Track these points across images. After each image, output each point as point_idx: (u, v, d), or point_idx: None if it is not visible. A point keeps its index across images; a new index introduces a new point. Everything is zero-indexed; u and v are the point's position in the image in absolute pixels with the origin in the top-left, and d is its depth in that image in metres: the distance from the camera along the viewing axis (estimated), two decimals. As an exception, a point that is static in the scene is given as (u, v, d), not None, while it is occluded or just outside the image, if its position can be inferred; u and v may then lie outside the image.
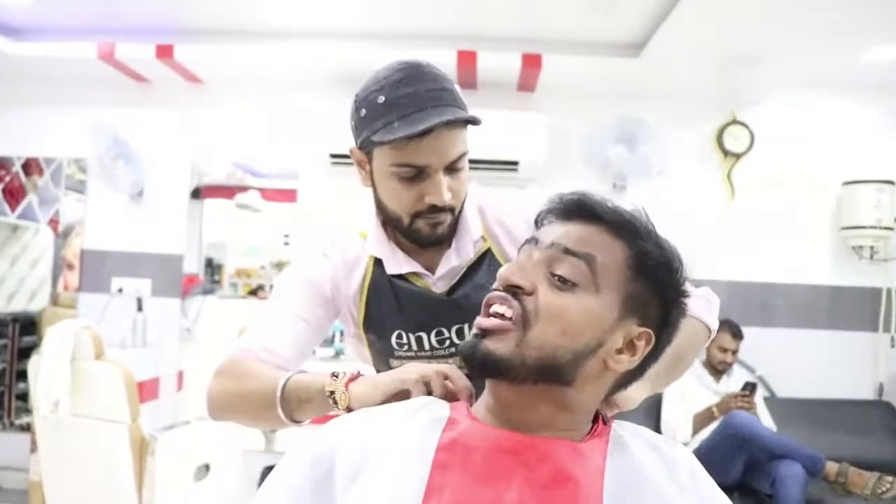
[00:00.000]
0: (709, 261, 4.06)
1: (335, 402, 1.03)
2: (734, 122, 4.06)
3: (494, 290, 0.88)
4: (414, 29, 3.64)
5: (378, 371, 1.41)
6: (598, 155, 3.96)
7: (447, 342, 1.33)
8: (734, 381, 3.70)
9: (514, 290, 0.86)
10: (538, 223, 0.95)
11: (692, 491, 0.86)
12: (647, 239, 0.89)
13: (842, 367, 4.02)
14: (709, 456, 3.21)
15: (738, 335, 3.68)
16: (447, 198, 1.21)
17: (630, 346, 0.88)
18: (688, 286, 0.92)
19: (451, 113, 1.15)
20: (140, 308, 4.04)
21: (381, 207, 1.29)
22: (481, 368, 0.86)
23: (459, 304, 1.32)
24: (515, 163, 3.77)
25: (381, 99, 1.16)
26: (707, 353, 3.74)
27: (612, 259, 0.86)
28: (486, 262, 1.35)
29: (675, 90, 4.00)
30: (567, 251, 0.86)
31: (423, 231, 1.25)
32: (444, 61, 3.69)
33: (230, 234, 6.65)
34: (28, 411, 3.83)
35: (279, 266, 6.64)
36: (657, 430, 3.55)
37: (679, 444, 0.95)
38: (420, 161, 1.17)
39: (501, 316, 0.85)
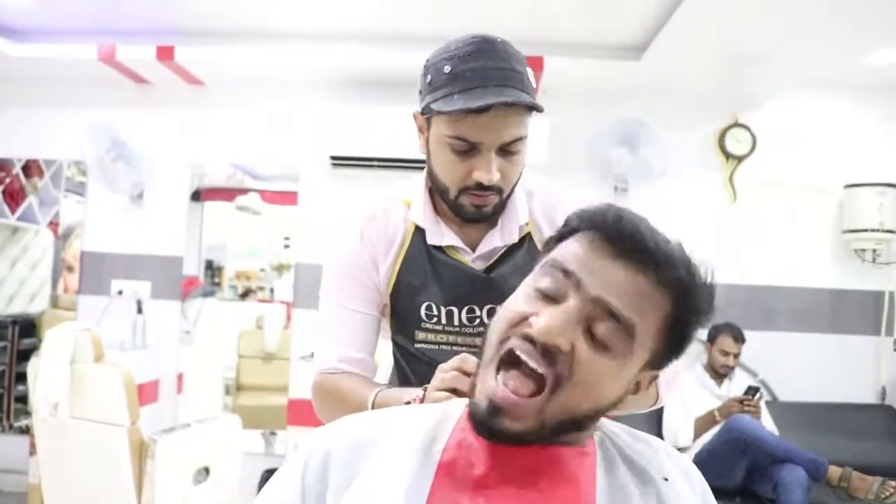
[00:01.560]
0: (710, 263, 4.05)
1: None
2: (736, 124, 4.06)
3: (526, 342, 0.79)
4: (414, 31, 3.63)
5: (395, 342, 1.43)
6: (600, 157, 3.96)
7: (477, 321, 1.34)
8: (736, 385, 3.69)
9: (551, 350, 0.77)
10: (569, 228, 0.87)
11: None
12: (695, 296, 0.81)
13: (844, 371, 4.01)
14: (710, 460, 3.20)
15: (739, 338, 3.66)
16: (496, 178, 1.21)
17: (636, 385, 0.86)
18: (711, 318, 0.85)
19: (513, 95, 1.15)
20: (140, 310, 4.03)
21: (432, 176, 1.30)
22: (495, 438, 0.81)
23: (495, 283, 1.32)
24: (517, 165, 3.76)
25: (448, 69, 1.18)
26: (709, 356, 3.73)
27: (653, 316, 0.79)
28: (525, 245, 1.35)
29: (677, 92, 3.99)
30: (612, 314, 0.77)
31: (468, 207, 1.26)
32: (445, 63, 3.68)
33: (230, 237, 6.66)
34: (27, 414, 3.82)
35: (279, 269, 6.65)
36: (658, 433, 3.53)
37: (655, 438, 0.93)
38: (473, 137, 1.18)
39: (531, 374, 0.78)
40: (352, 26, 3.65)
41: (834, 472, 3.21)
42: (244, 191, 5.69)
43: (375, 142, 3.80)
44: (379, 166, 3.86)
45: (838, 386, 3.97)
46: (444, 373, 1.04)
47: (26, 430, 4.02)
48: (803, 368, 3.98)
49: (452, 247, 1.33)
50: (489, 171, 1.20)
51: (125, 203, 4.15)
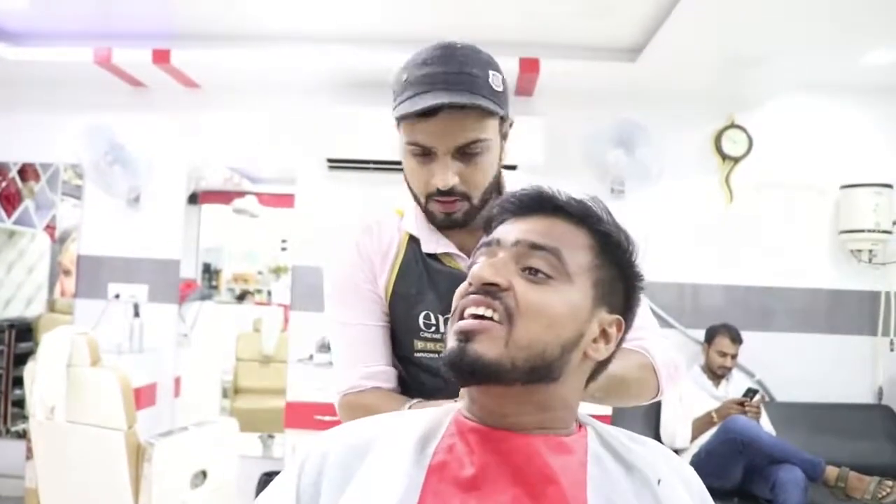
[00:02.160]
0: (707, 265, 4.06)
1: None
2: (732, 125, 4.07)
3: (470, 293, 0.86)
4: (410, 33, 3.63)
5: (394, 351, 1.43)
6: (597, 159, 3.96)
7: None
8: (734, 386, 3.69)
9: (489, 290, 0.84)
10: (491, 224, 0.95)
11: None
12: (608, 223, 0.90)
13: (841, 371, 4.01)
14: (708, 461, 3.21)
15: (737, 339, 3.67)
16: (451, 182, 1.19)
17: (604, 334, 0.89)
18: (644, 272, 0.93)
19: (459, 97, 1.13)
20: (137, 314, 4.02)
21: (407, 184, 1.30)
22: (471, 375, 0.83)
23: None
24: (513, 167, 3.76)
25: (405, 76, 1.19)
26: (707, 357, 3.73)
27: (579, 247, 0.88)
28: None
29: (673, 94, 4.00)
30: (534, 246, 0.86)
31: (437, 214, 1.25)
32: (441, 65, 3.68)
33: (227, 240, 6.64)
34: (24, 418, 3.81)
35: (276, 271, 6.63)
36: (656, 435, 3.54)
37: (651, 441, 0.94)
38: (426, 141, 1.18)
39: (482, 317, 0.83)
40: (348, 29, 3.65)
41: (831, 472, 3.21)
42: (241, 193, 5.67)
43: (372, 144, 3.80)
44: (376, 169, 3.87)
45: (835, 386, 3.98)
46: None
47: (23, 435, 4.01)
48: (800, 369, 3.99)
49: (448, 254, 1.32)
50: (443, 176, 1.19)
51: (122, 206, 4.15)
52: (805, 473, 3.14)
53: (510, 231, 0.89)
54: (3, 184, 4.26)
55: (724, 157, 4.06)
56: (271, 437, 4.62)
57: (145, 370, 3.91)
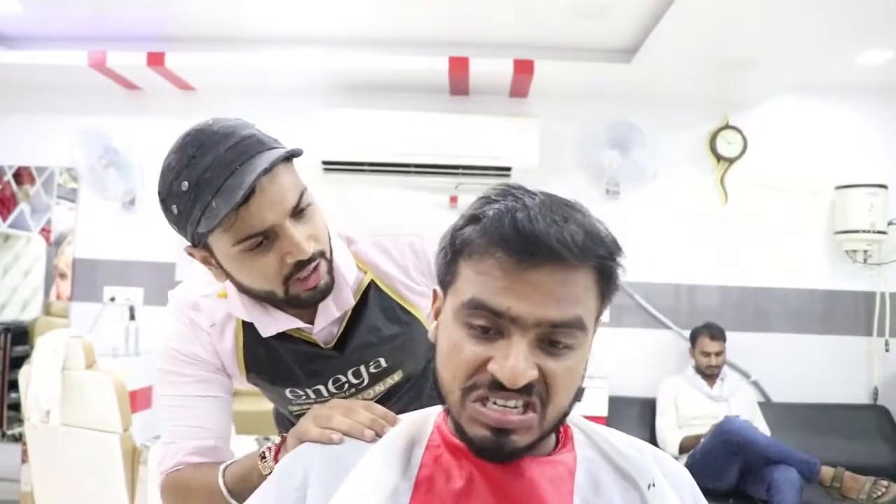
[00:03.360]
0: (702, 265, 4.06)
1: None
2: (727, 126, 4.07)
3: (496, 389, 0.76)
4: (405, 35, 3.64)
5: (281, 413, 1.40)
6: (592, 160, 3.97)
7: (346, 385, 1.27)
8: (728, 386, 3.69)
9: (526, 386, 0.75)
10: (473, 250, 0.78)
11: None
12: (611, 259, 0.80)
13: (836, 372, 4.02)
14: (704, 462, 3.21)
15: (717, 337, 3.68)
16: (309, 248, 1.06)
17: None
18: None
19: (266, 159, 1.01)
20: (132, 317, 4.01)
21: (247, 291, 1.13)
22: (508, 459, 0.80)
23: (353, 355, 1.24)
24: (508, 169, 3.77)
25: (185, 185, 1.00)
26: (695, 359, 3.74)
27: (589, 297, 0.79)
28: (370, 296, 1.24)
29: (668, 95, 4.01)
30: (555, 325, 0.75)
31: (304, 295, 1.10)
32: (435, 67, 3.69)
33: (223, 242, 6.62)
34: (20, 421, 3.80)
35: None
36: (651, 439, 3.54)
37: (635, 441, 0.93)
38: (261, 225, 1.02)
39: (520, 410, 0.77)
40: (342, 31, 3.66)
41: (826, 472, 3.21)
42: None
43: (367, 146, 3.80)
44: (371, 171, 3.87)
45: (831, 387, 3.98)
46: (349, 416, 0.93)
47: (19, 438, 4.00)
48: (796, 369, 4.00)
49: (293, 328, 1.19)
50: (300, 245, 1.05)
51: (117, 210, 4.14)
52: (800, 474, 3.13)
53: (525, 303, 0.75)
54: (-1, 187, 4.26)
55: (718, 158, 4.07)
56: (267, 439, 4.60)
57: (141, 373, 3.90)
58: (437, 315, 0.87)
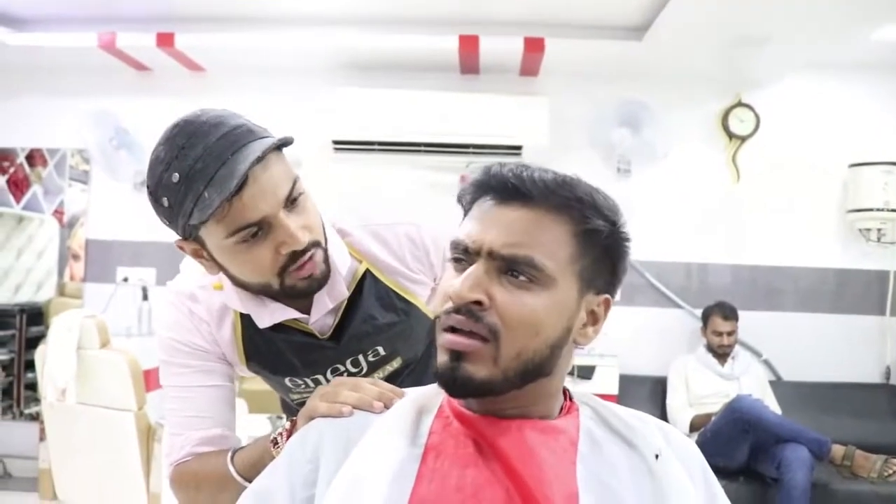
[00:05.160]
0: (714, 244, 4.05)
1: None
2: (739, 104, 4.03)
3: (449, 311, 0.81)
4: (415, 14, 3.61)
5: (284, 401, 1.41)
6: (602, 138, 3.95)
7: (344, 375, 1.27)
8: (740, 365, 3.69)
9: (471, 308, 0.80)
10: (466, 202, 0.88)
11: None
12: (592, 209, 0.83)
13: (848, 351, 4.00)
14: (714, 440, 3.21)
15: (729, 317, 3.67)
16: (304, 238, 1.05)
17: (592, 315, 0.88)
18: (627, 231, 0.87)
19: (258, 148, 1.00)
20: (145, 297, 4.05)
21: (242, 285, 1.12)
22: (464, 392, 0.83)
23: (350, 345, 1.24)
24: (519, 147, 3.76)
25: (176, 177, 0.99)
26: (706, 339, 3.74)
27: (558, 242, 0.82)
28: (366, 285, 1.24)
29: (679, 72, 3.97)
30: (505, 258, 0.80)
31: (300, 285, 1.09)
32: (445, 46, 3.67)
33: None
34: (37, 400, 3.85)
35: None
36: (662, 417, 3.55)
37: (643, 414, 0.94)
38: (254, 216, 1.01)
39: (469, 334, 0.80)
40: (352, 10, 3.63)
41: (837, 450, 3.21)
42: (247, 177, 5.69)
43: (377, 126, 3.80)
44: (381, 150, 3.86)
45: (842, 366, 3.97)
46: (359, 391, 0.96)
47: (36, 417, 4.05)
48: (807, 348, 3.98)
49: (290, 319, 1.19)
50: (294, 235, 1.04)
51: (129, 190, 4.16)
52: (811, 452, 3.14)
53: (481, 233, 0.82)
54: (11, 170, 4.28)
55: (730, 136, 4.03)
56: (280, 417, 4.64)
57: (154, 353, 3.93)
58: None
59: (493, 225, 0.82)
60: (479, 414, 0.86)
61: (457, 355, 0.81)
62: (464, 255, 0.83)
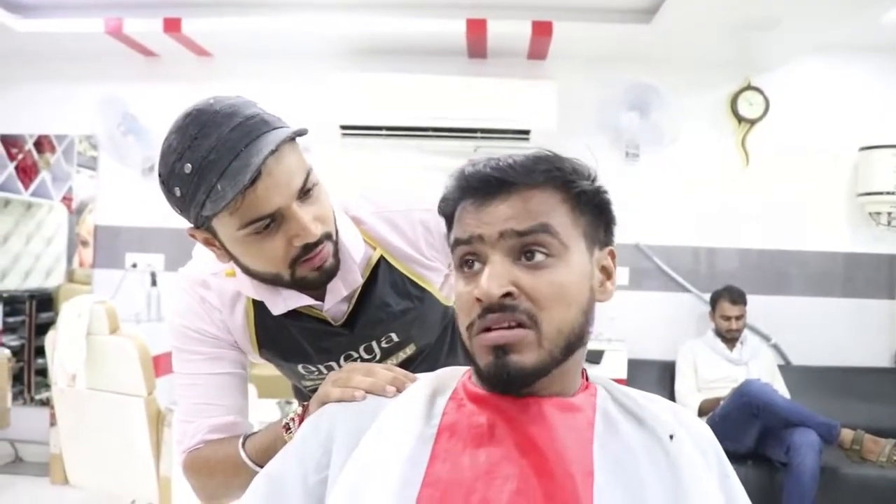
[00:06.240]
0: (722, 228, 4.03)
1: None
2: (749, 87, 4.00)
3: (482, 314, 0.82)
4: (424, -1, 3.60)
5: (297, 387, 1.41)
6: (611, 122, 3.93)
7: (358, 361, 1.26)
8: (748, 349, 3.69)
9: (503, 303, 0.81)
10: (448, 211, 0.89)
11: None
12: (574, 174, 0.86)
13: (857, 335, 3.99)
14: (723, 424, 3.21)
15: (737, 301, 3.67)
16: (317, 230, 1.05)
17: (604, 270, 0.90)
18: (605, 187, 0.90)
19: (272, 139, 0.99)
20: (154, 283, 4.06)
21: (253, 275, 1.11)
22: (518, 385, 0.83)
23: (363, 332, 1.24)
24: (527, 132, 3.75)
25: (188, 168, 0.97)
26: (715, 322, 3.73)
27: (558, 211, 0.84)
28: (380, 272, 1.23)
29: (688, 56, 3.94)
30: (521, 233, 0.82)
31: (311, 276, 1.09)
32: (453, 30, 3.65)
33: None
34: (47, 386, 3.88)
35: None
36: (671, 400, 3.55)
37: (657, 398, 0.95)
38: (267, 209, 1.00)
39: (509, 326, 0.81)
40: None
41: (846, 434, 3.21)
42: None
43: (385, 110, 3.79)
44: (389, 135, 3.85)
45: (852, 350, 3.96)
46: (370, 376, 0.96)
47: (47, 402, 4.08)
48: (817, 332, 3.97)
49: (304, 305, 1.18)
50: (307, 227, 1.03)
51: (137, 176, 4.17)
52: (820, 436, 3.13)
53: (486, 223, 0.83)
54: (20, 156, 4.29)
55: (740, 119, 4.01)
56: (289, 402, 4.66)
57: (163, 338, 3.93)
58: None
59: (492, 215, 0.83)
60: (499, 394, 0.86)
61: (502, 350, 0.81)
62: (473, 254, 0.84)
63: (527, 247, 0.82)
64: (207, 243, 1.09)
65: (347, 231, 1.17)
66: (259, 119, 1.01)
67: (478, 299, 0.81)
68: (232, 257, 1.09)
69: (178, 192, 1.00)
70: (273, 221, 1.01)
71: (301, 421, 1.03)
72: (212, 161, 0.96)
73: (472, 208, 0.85)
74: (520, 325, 0.81)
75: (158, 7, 3.71)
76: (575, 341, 0.84)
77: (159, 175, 1.03)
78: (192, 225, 1.07)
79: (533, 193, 0.83)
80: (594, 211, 0.88)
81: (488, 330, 0.81)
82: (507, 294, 0.81)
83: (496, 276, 0.81)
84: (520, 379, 0.82)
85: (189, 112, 1.00)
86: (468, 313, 0.84)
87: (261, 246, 1.04)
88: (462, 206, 0.86)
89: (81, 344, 2.92)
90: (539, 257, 0.82)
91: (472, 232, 0.83)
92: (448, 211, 0.89)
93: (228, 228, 1.02)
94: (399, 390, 0.92)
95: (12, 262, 4.42)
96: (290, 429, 1.06)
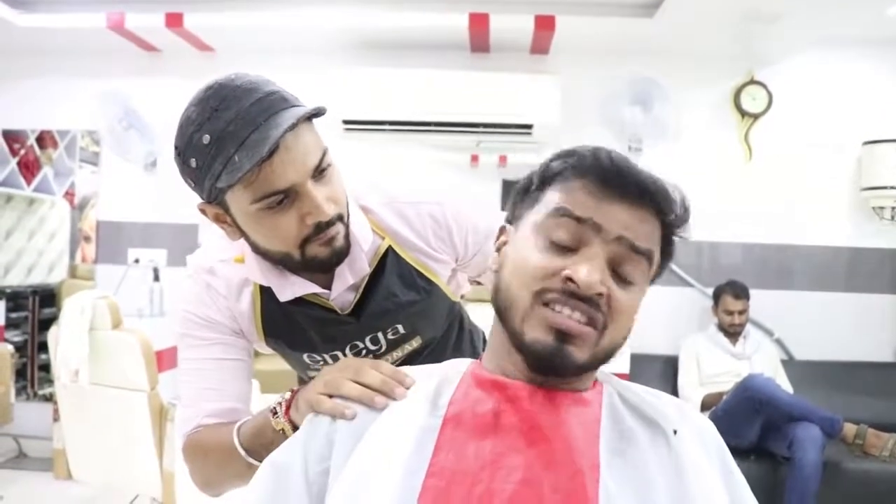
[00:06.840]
0: (725, 222, 4.02)
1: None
2: (752, 81, 3.99)
3: (569, 296, 0.81)
4: (425, -8, 3.59)
5: (302, 379, 1.40)
6: (614, 117, 3.91)
7: (363, 352, 1.27)
8: (751, 343, 3.68)
9: (593, 299, 0.82)
10: (558, 170, 0.87)
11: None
12: (680, 217, 0.88)
13: (861, 330, 3.99)
14: (725, 419, 3.21)
15: (740, 295, 3.66)
16: (330, 210, 1.05)
17: None
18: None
19: (291, 116, 0.99)
20: (156, 278, 4.06)
21: (262, 252, 1.11)
22: (560, 373, 0.85)
23: (370, 322, 1.24)
24: (529, 126, 3.74)
25: (206, 138, 0.98)
26: (717, 317, 3.73)
27: (657, 244, 0.87)
28: (388, 262, 1.23)
29: (691, 50, 3.92)
30: (635, 249, 0.84)
31: (321, 255, 1.08)
32: (455, 24, 3.65)
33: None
34: (50, 381, 3.89)
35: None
36: (673, 395, 3.55)
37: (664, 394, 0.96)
38: (282, 184, 1.00)
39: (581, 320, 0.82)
40: (361, -12, 3.61)
41: (849, 429, 3.20)
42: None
43: (387, 105, 3.78)
44: (391, 129, 3.85)
45: (855, 344, 3.95)
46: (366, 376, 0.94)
47: (50, 398, 4.09)
48: (820, 327, 3.97)
49: (311, 293, 1.18)
50: (320, 206, 1.03)
51: (139, 172, 4.16)
52: (823, 431, 3.13)
53: (607, 216, 0.83)
54: (22, 152, 4.29)
55: (743, 113, 4.00)
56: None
57: (166, 333, 3.94)
58: (499, 249, 0.92)
59: (614, 214, 0.83)
60: (520, 381, 0.86)
61: (562, 336, 0.82)
62: (576, 233, 0.83)
63: (627, 263, 0.84)
64: (218, 219, 1.09)
65: (356, 219, 1.17)
66: (278, 96, 1.03)
67: (570, 279, 0.81)
68: (243, 234, 1.09)
69: (193, 162, 1.01)
70: (287, 198, 1.02)
71: (288, 406, 1.03)
72: (230, 132, 0.97)
73: (595, 190, 0.84)
74: (590, 324, 0.82)
75: (160, 2, 3.71)
76: (612, 357, 0.87)
77: (175, 147, 1.04)
78: (203, 199, 1.07)
79: (648, 217, 0.85)
80: (667, 256, 0.91)
81: (553, 310, 0.82)
82: (600, 294, 0.82)
83: (601, 274, 0.82)
84: (564, 369, 0.83)
85: (210, 86, 1.02)
86: (542, 281, 0.83)
87: (273, 222, 1.04)
88: (581, 181, 0.85)
89: (84, 339, 2.93)
90: (632, 278, 0.85)
91: (591, 215, 0.83)
92: (557, 169, 0.88)
93: (242, 202, 1.03)
94: (388, 397, 0.90)
95: (15, 258, 4.43)
96: (276, 413, 1.05)
